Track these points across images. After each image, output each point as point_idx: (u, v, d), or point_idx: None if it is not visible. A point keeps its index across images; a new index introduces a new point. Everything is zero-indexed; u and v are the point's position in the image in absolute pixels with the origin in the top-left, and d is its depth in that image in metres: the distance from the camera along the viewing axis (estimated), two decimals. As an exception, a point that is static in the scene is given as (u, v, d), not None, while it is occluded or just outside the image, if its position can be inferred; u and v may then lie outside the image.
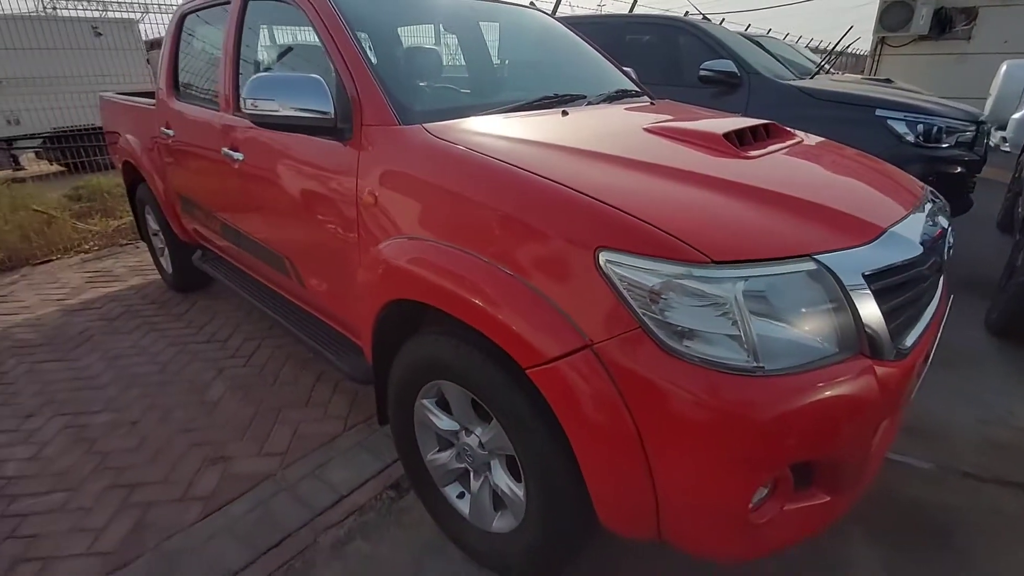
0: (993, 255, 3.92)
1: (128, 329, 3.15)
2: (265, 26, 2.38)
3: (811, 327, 1.05)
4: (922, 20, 9.38)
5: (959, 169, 3.39)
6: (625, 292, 1.05)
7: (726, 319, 1.01)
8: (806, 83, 3.83)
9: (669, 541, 1.16)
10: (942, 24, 9.52)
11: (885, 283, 1.13)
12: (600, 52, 2.66)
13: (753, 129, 1.63)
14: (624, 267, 1.06)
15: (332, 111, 1.59)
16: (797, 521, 1.15)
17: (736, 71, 3.65)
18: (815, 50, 8.43)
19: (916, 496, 1.88)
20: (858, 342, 1.08)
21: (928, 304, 1.36)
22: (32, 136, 7.71)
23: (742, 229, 1.10)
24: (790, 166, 1.47)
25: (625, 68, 2.65)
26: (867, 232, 1.15)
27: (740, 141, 1.53)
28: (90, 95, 8.94)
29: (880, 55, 10.13)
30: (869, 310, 1.08)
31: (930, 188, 1.60)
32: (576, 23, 4.25)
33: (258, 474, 1.99)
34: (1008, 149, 6.11)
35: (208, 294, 3.63)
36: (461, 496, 1.66)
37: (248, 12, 2.26)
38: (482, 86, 2.32)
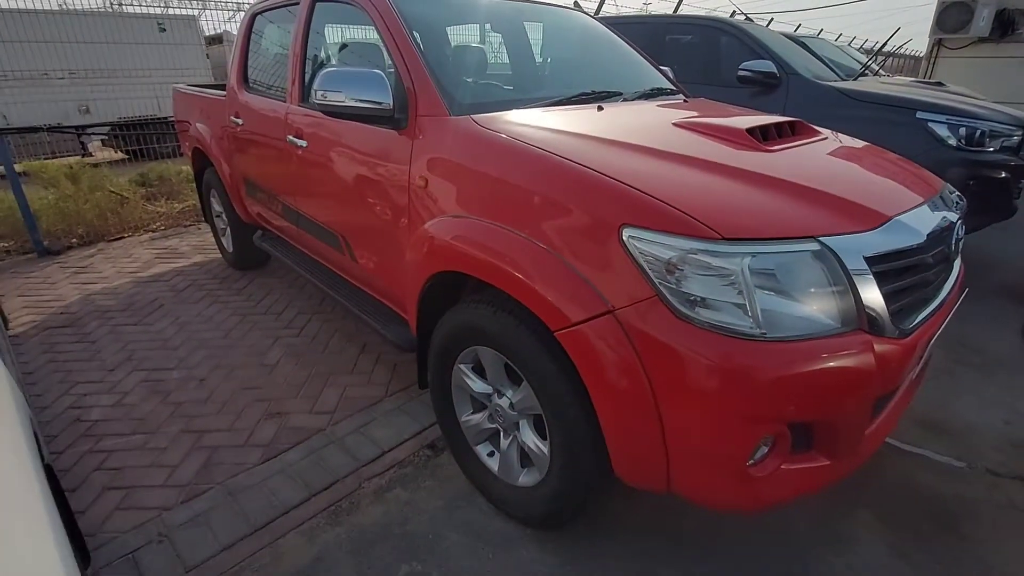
0: (1040, 264, 3.85)
1: (194, 300, 3.46)
2: (329, 25, 2.59)
3: (814, 302, 1.17)
4: (983, 21, 9.00)
5: (1003, 174, 3.35)
6: (644, 264, 1.20)
7: (733, 290, 1.14)
8: (847, 84, 3.83)
9: (677, 491, 1.30)
10: (1004, 26, 9.10)
11: (887, 267, 1.24)
12: (639, 51, 2.78)
13: (779, 126, 1.73)
14: (644, 242, 1.20)
15: (391, 102, 1.79)
16: (794, 480, 1.27)
17: (775, 71, 3.69)
18: (868, 52, 8.21)
19: (930, 486, 1.94)
20: (858, 319, 1.19)
21: (938, 291, 1.45)
22: (101, 125, 8.31)
23: (752, 211, 1.23)
24: (808, 159, 1.58)
25: (663, 68, 2.76)
26: (872, 219, 1.26)
27: (764, 136, 1.64)
28: (154, 87, 9.62)
29: (936, 57, 9.77)
30: (869, 290, 1.20)
31: (948, 185, 1.67)
32: (617, 23, 4.36)
33: (311, 428, 2.21)
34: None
35: (265, 272, 3.93)
36: (491, 455, 1.83)
37: (315, 12, 2.49)
38: (525, 82, 2.49)
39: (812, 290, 1.17)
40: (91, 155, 9.24)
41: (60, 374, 2.63)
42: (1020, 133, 3.40)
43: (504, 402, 1.68)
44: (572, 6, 2.89)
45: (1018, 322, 3.12)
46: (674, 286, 1.17)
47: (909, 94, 3.54)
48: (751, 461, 1.20)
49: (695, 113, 1.95)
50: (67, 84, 9.01)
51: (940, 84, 5.44)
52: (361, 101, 1.82)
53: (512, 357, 1.54)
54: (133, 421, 2.28)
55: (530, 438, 1.63)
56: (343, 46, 2.65)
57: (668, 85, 2.56)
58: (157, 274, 3.92)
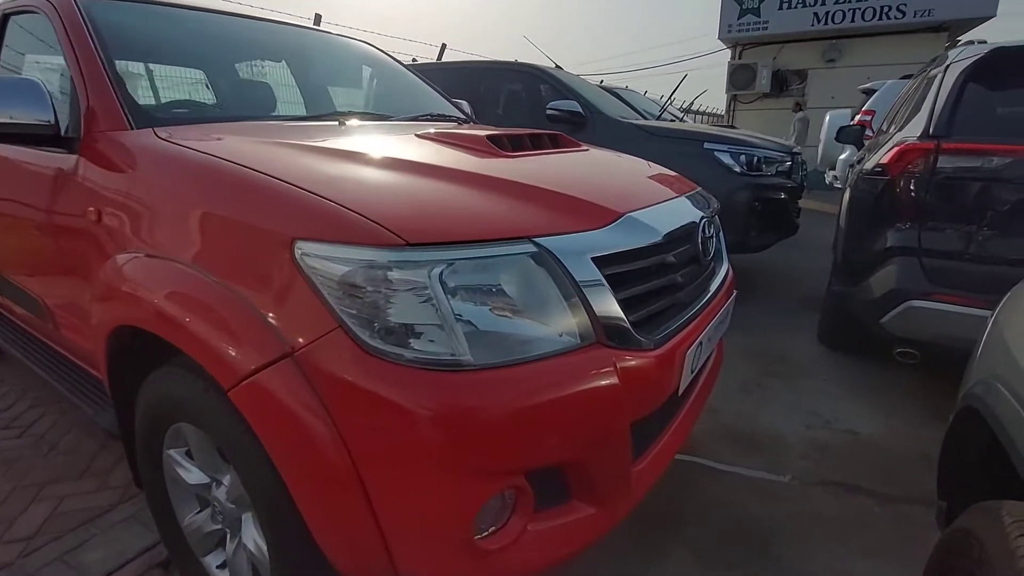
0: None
1: None
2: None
3: (535, 315, 0.96)
4: (764, 80, 10.73)
5: (782, 195, 3.69)
6: (320, 286, 0.91)
7: (427, 309, 0.89)
8: (645, 122, 4.08)
9: (411, 583, 0.98)
10: (780, 84, 10.94)
11: (622, 269, 1.07)
12: (428, 83, 2.64)
13: (536, 137, 1.60)
14: (318, 258, 0.92)
15: (52, 118, 1.38)
16: (554, 541, 1.01)
17: (580, 111, 3.82)
18: (684, 110, 9.36)
19: (745, 506, 1.83)
20: (594, 331, 1.00)
21: (695, 296, 1.34)
22: None
23: (454, 213, 1.01)
24: (550, 165, 1.44)
25: (457, 100, 2.65)
26: (601, 217, 1.11)
27: (514, 147, 1.48)
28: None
29: (734, 110, 11.42)
30: (603, 297, 1.01)
31: (700, 189, 1.64)
32: (425, 69, 4.33)
33: (-19, 568, 1.58)
34: (839, 186, 6.89)
35: (-3, 359, 3.08)
36: (223, 566, 1.38)
37: (7, 28, 2.01)
38: (254, 99, 2.13)
39: (531, 301, 0.96)
40: None
41: None
42: (790, 159, 3.80)
43: (221, 493, 1.27)
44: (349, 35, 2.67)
45: (814, 330, 3.35)
46: (357, 312, 0.89)
47: (697, 128, 3.83)
48: (482, 533, 0.93)
49: (454, 128, 1.77)
50: None
51: (734, 127, 6.16)
52: (15, 117, 1.39)
53: (209, 431, 1.16)
54: None
55: (251, 536, 1.22)
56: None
57: (456, 113, 2.42)
58: None
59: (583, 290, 0.99)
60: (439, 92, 2.61)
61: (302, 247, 0.93)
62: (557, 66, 4.73)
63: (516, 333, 0.94)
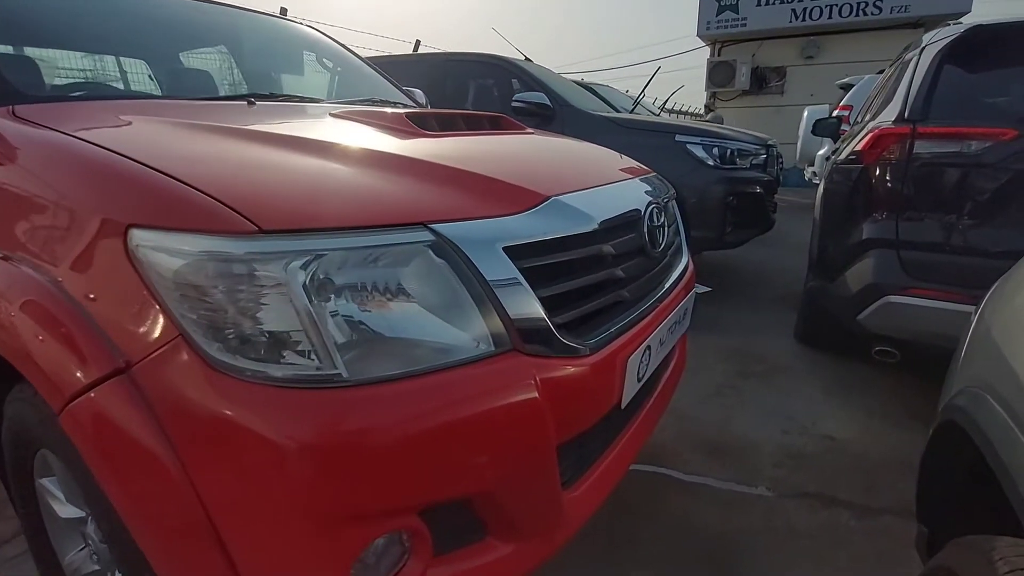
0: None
1: None
2: None
3: (426, 318, 0.78)
4: (743, 77, 10.67)
5: (757, 189, 3.56)
6: (157, 286, 0.73)
7: (286, 312, 0.71)
8: (616, 115, 3.94)
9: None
10: (759, 81, 10.90)
11: (543, 261, 0.90)
12: (378, 71, 2.46)
13: (473, 119, 1.43)
14: (151, 249, 0.74)
15: None
16: (463, 588, 0.84)
17: (548, 103, 3.66)
18: (661, 107, 9.26)
19: (711, 522, 1.67)
20: (506, 335, 0.83)
21: (644, 293, 1.17)
22: None
23: (328, 195, 0.83)
24: (475, 145, 1.26)
25: (410, 89, 2.47)
26: (520, 201, 0.94)
27: (441, 127, 1.30)
28: None
29: (714, 108, 11.35)
30: (517, 294, 0.84)
31: (655, 173, 1.47)
32: (387, 62, 4.16)
33: None
34: (818, 182, 6.80)
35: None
36: (109, 613, 1.19)
37: None
38: (173, 83, 1.92)
39: (426, 301, 0.79)
40: None
41: None
42: (765, 152, 3.67)
43: (92, 529, 1.09)
44: (279, 14, 2.49)
45: (792, 328, 3.22)
46: (197, 317, 0.71)
47: (668, 121, 3.69)
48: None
49: (379, 108, 1.59)
50: None
51: (720, 120, 6.04)
52: None
53: (63, 460, 0.97)
54: None
55: (122, 582, 1.04)
56: None
57: (405, 101, 2.24)
58: None
59: (492, 286, 0.82)
60: (388, 79, 2.43)
61: (136, 236, 0.75)
62: (526, 58, 4.57)
63: (405, 341, 0.76)
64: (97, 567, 1.17)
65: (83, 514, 1.12)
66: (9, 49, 1.54)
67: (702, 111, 12.04)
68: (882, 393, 2.50)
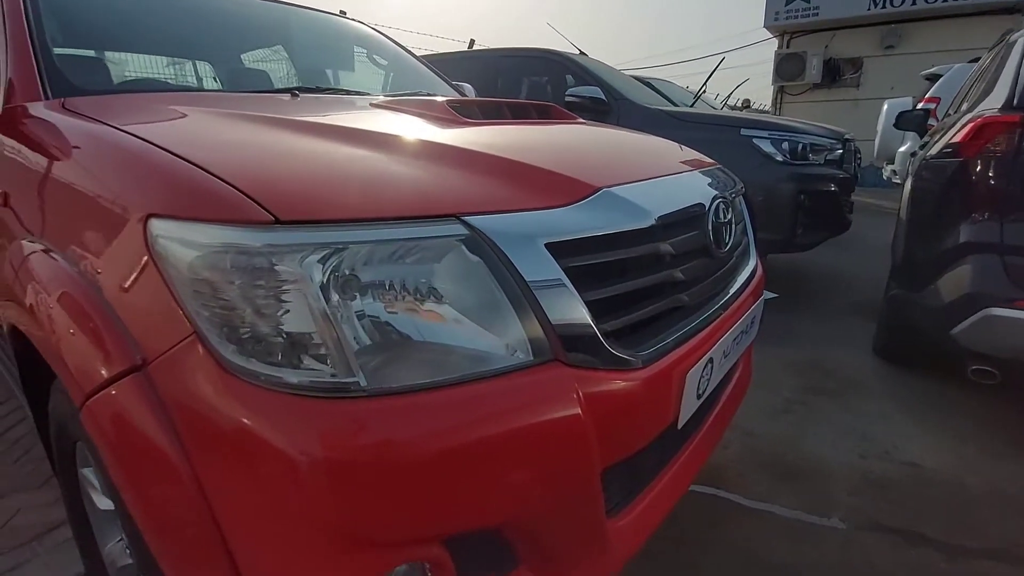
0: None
1: None
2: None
3: (458, 321, 0.70)
4: (814, 70, 10.03)
5: (832, 187, 3.28)
6: (173, 279, 0.68)
7: (301, 311, 0.64)
8: (675, 109, 3.74)
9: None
10: (832, 73, 10.22)
11: (592, 260, 0.80)
12: (429, 67, 2.43)
13: (519, 107, 1.34)
14: (169, 240, 0.69)
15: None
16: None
17: (603, 97, 3.53)
18: (723, 103, 8.86)
19: (779, 555, 1.51)
20: (547, 343, 0.73)
21: (705, 298, 1.04)
22: None
23: (355, 184, 0.76)
24: (519, 134, 1.16)
25: (460, 84, 2.42)
26: (567, 192, 0.83)
27: (485, 115, 1.22)
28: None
29: (781, 103, 10.74)
30: (560, 296, 0.74)
31: (719, 165, 1.33)
32: (440, 60, 4.15)
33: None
34: (898, 181, 6.29)
35: None
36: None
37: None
38: (224, 77, 1.93)
39: (457, 302, 0.70)
40: None
41: None
42: (841, 147, 3.38)
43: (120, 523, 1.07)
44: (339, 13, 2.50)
45: (869, 341, 2.94)
46: (211, 315, 0.66)
47: (732, 114, 3.47)
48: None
49: (423, 98, 1.52)
50: None
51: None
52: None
53: (90, 453, 0.96)
54: None
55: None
56: None
57: (454, 95, 2.19)
58: None
59: (531, 287, 0.72)
60: (438, 74, 2.39)
61: (156, 226, 0.70)
62: (581, 52, 4.43)
63: (431, 346, 0.68)
64: (131, 560, 1.16)
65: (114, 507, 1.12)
66: (73, 49, 1.59)
67: (768, 106, 11.45)
68: (976, 418, 2.22)
